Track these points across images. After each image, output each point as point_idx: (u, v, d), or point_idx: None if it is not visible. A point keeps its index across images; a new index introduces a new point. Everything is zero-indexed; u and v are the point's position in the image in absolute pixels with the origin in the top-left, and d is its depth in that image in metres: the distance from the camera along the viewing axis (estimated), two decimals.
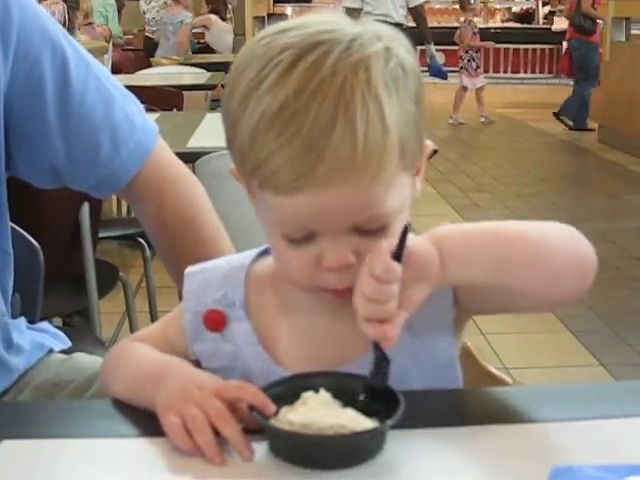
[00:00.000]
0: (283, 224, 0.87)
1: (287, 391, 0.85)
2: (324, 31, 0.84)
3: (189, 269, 1.03)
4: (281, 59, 0.82)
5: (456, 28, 10.75)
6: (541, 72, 16.09)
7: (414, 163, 0.89)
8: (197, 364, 0.99)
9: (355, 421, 0.80)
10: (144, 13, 9.38)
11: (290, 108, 0.81)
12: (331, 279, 0.88)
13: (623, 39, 8.67)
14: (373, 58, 0.83)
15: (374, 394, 0.85)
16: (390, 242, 0.83)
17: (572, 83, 9.71)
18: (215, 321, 0.99)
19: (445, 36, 12.48)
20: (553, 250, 0.87)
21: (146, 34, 9.38)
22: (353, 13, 8.18)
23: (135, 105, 1.32)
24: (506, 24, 17.38)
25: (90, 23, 9.39)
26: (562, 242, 0.88)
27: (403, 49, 0.87)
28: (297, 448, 0.80)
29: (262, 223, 0.92)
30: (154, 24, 9.15)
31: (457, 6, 16.78)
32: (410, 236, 0.83)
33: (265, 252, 1.01)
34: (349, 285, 0.86)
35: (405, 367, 0.94)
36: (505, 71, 15.86)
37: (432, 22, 17.02)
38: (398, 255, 0.82)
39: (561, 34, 14.83)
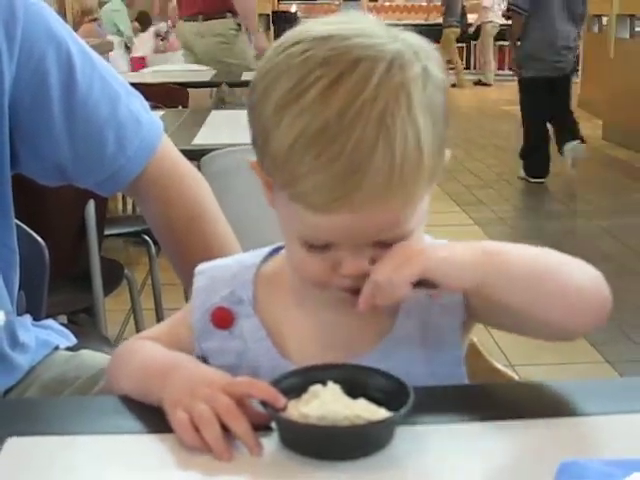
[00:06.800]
0: (305, 234, 0.87)
1: (293, 385, 0.85)
2: (364, 46, 0.83)
3: (199, 267, 1.03)
4: (321, 75, 0.81)
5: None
6: None
7: (436, 179, 0.89)
8: (203, 361, 0.99)
9: (369, 411, 0.81)
10: None
11: (332, 130, 0.80)
12: (347, 282, 0.89)
13: (627, 36, 8.65)
14: (412, 82, 0.83)
15: (378, 385, 0.86)
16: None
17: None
18: (223, 318, 0.99)
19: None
20: (579, 289, 0.89)
21: None
22: None
23: (140, 103, 1.32)
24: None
25: (95, 19, 9.32)
26: (587, 282, 0.90)
27: (437, 66, 0.87)
28: (318, 441, 0.80)
29: (280, 223, 0.92)
30: None
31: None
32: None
33: (276, 250, 1.02)
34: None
35: (414, 362, 0.94)
36: (510, 68, 15.83)
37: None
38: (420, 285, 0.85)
39: None
